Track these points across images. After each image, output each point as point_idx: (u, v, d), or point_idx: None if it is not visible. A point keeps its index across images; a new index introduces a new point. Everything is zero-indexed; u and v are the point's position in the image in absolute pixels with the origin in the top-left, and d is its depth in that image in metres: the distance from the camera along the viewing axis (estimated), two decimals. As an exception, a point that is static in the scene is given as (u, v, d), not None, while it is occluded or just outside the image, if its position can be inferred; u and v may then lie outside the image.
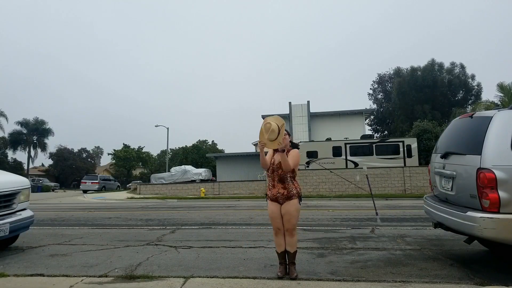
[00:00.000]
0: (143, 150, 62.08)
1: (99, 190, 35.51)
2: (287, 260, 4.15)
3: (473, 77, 39.70)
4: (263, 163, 4.15)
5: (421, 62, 43.06)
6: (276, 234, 4.17)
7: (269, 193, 4.19)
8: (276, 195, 4.09)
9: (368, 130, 41.92)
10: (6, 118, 47.40)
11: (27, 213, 5.79)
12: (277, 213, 4.09)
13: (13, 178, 5.90)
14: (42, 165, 64.68)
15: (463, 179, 4.27)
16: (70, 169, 57.96)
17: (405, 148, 23.09)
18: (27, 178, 12.17)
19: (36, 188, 35.41)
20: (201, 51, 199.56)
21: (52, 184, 45.52)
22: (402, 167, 22.03)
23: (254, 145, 44.29)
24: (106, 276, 4.22)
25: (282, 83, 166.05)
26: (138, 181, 44.66)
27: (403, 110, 39.79)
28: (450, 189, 4.61)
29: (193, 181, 28.77)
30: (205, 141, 56.28)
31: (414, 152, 23.13)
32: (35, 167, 61.31)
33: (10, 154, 54.26)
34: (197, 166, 37.61)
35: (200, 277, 4.12)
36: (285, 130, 4.08)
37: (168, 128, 40.29)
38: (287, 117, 34.64)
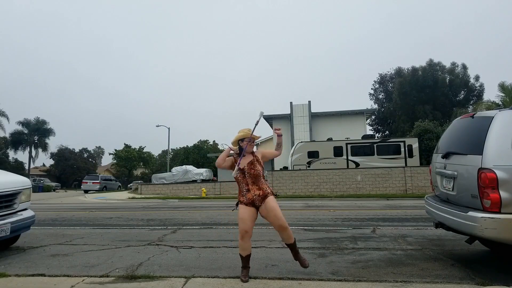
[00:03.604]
0: (144, 150, 62.07)
1: (100, 190, 35.56)
2: (293, 251, 4.19)
3: (476, 77, 39.68)
4: (219, 160, 4.15)
5: (423, 62, 43.02)
6: (242, 238, 3.99)
7: (243, 199, 4.10)
8: (253, 198, 4.06)
9: (369, 130, 41.93)
10: (7, 118, 47.50)
11: (28, 213, 5.79)
12: (249, 215, 4.03)
13: (14, 178, 5.90)
14: (43, 165, 64.78)
15: (464, 179, 4.26)
16: (71, 169, 58.03)
17: (406, 148, 23.08)
18: (28, 178, 12.19)
19: (37, 188, 35.47)
20: (203, 52, 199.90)
21: (53, 184, 45.57)
22: (403, 167, 22.01)
23: (255, 145, 44.18)
24: (107, 276, 4.22)
25: (283, 84, 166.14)
26: (139, 181, 44.69)
27: (404, 110, 39.77)
28: (451, 189, 4.61)
29: (194, 181, 28.79)
30: (206, 141, 56.21)
31: (415, 152, 23.11)
32: (36, 167, 61.42)
33: (11, 154, 54.47)
34: (198, 166, 37.61)
35: (201, 277, 4.12)
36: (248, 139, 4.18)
37: (169, 128, 40.34)
38: (288, 117, 34.67)
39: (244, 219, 4.00)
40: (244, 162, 4.14)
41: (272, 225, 4.09)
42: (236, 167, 4.10)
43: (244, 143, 4.17)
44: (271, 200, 4.06)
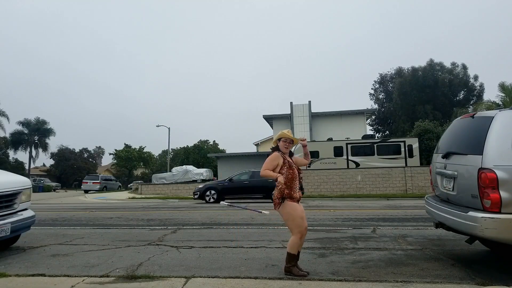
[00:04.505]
0: (145, 150, 62.07)
1: (100, 190, 35.59)
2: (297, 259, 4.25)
3: (476, 77, 39.73)
4: (268, 175, 4.12)
5: (423, 62, 43.02)
6: (304, 236, 4.12)
7: (296, 195, 4.12)
8: (301, 197, 4.24)
9: (369, 130, 41.91)
10: (8, 118, 47.55)
11: (28, 213, 5.80)
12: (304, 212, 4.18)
13: (14, 178, 5.90)
14: (44, 165, 64.78)
15: (464, 179, 4.26)
16: (72, 169, 58.04)
17: (407, 148, 23.08)
18: (29, 178, 12.21)
19: (38, 188, 35.50)
20: (203, 51, 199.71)
21: (54, 184, 45.59)
22: (404, 167, 22.02)
23: (255, 145, 44.32)
24: (108, 276, 4.22)
25: (283, 84, 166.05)
26: (139, 181, 44.72)
27: (405, 110, 39.79)
28: (451, 189, 4.61)
29: (194, 181, 28.78)
30: (206, 141, 56.21)
31: (416, 152, 23.11)
32: (36, 167, 61.43)
33: (12, 154, 54.47)
34: (198, 166, 37.63)
35: (201, 277, 4.12)
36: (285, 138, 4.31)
37: (169, 128, 40.35)
38: (288, 117, 34.67)
39: (304, 217, 4.12)
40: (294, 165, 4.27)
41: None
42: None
43: (281, 143, 4.29)
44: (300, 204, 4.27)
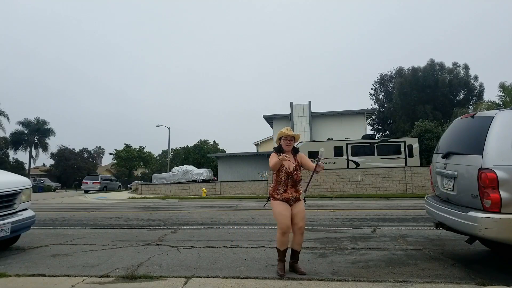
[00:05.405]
0: (145, 150, 62.03)
1: (100, 190, 35.58)
2: (294, 259, 4.27)
3: (476, 78, 39.68)
4: (276, 165, 4.10)
5: (423, 62, 42.98)
6: (284, 234, 4.11)
7: (278, 197, 4.20)
8: (289, 198, 4.19)
9: (369, 130, 41.85)
10: (8, 118, 47.59)
11: (28, 213, 5.80)
12: (288, 210, 4.15)
13: (15, 178, 5.91)
14: (44, 165, 64.79)
15: (464, 179, 4.26)
16: (72, 169, 58.04)
17: (407, 148, 23.05)
18: (29, 178, 12.19)
19: (38, 188, 35.45)
20: (203, 51, 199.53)
21: (54, 184, 45.58)
22: (404, 167, 22.00)
23: (255, 145, 44.33)
24: (108, 276, 4.23)
25: (283, 84, 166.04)
26: (139, 181, 44.76)
27: (405, 110, 39.78)
28: (451, 189, 4.61)
29: (194, 181, 28.80)
30: (206, 141, 56.16)
31: (416, 152, 23.09)
32: (36, 167, 61.43)
33: (12, 154, 54.46)
34: (198, 166, 37.66)
35: (201, 277, 4.13)
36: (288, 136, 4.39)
37: (169, 128, 40.35)
38: (288, 117, 34.66)
39: (285, 215, 4.11)
40: (291, 166, 4.24)
41: (295, 226, 4.17)
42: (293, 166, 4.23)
43: (282, 141, 4.37)
44: (302, 203, 4.28)
